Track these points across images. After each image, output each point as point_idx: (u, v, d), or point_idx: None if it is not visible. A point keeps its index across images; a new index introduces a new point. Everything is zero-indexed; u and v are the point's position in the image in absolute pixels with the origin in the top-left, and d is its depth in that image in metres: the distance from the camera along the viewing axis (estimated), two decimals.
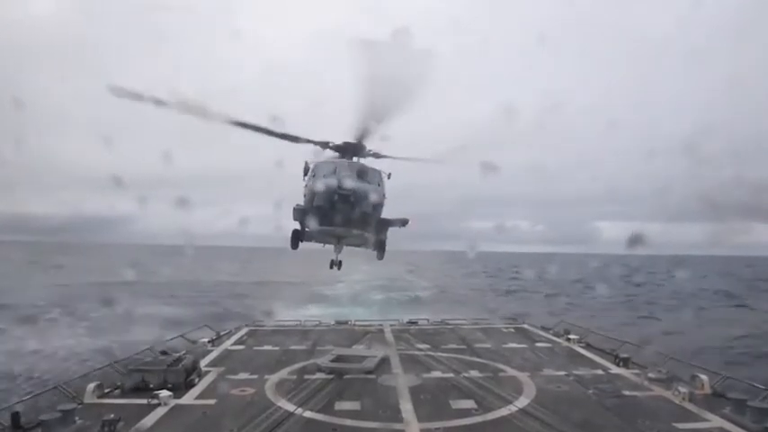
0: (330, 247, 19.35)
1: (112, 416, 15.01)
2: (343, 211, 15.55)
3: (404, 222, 17.99)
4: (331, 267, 20.10)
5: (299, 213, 17.43)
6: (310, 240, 19.12)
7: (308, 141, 16.42)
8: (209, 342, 26.89)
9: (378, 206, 16.81)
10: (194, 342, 26.54)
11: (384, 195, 16.97)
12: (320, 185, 15.83)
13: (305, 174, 17.30)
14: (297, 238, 18.78)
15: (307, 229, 17.80)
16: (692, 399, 16.90)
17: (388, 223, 17.60)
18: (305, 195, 17.01)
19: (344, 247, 18.99)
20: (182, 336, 27.53)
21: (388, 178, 17.06)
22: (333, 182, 15.53)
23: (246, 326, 31.83)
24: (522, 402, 16.98)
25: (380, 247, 18.59)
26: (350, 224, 16.02)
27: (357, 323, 32.89)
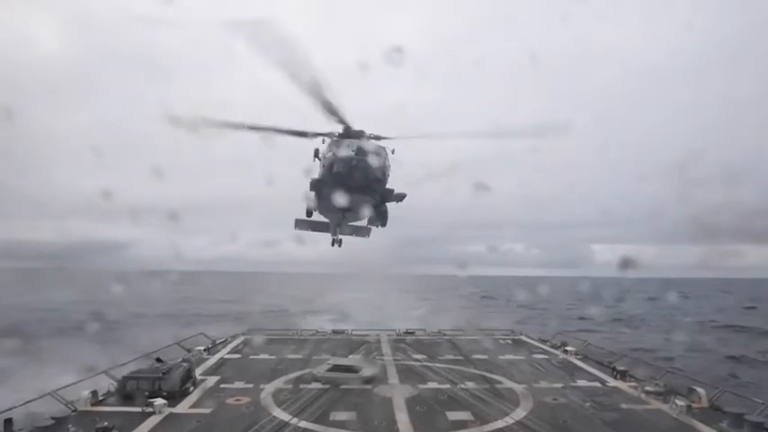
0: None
1: (106, 424, 14.93)
2: (358, 176, 17.92)
3: (401, 197, 19.83)
4: (332, 245, 22.12)
5: (316, 184, 19.45)
6: (321, 213, 20.91)
7: (317, 135, 18.93)
8: (204, 350, 26.77)
9: (385, 174, 18.93)
10: (190, 350, 26.39)
11: (389, 166, 19.03)
12: (338, 157, 18.18)
13: (315, 155, 19.48)
14: (310, 209, 20.92)
15: (321, 199, 19.76)
16: (689, 412, 16.85)
17: (391, 193, 19.54)
18: (321, 169, 19.21)
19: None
20: (177, 343, 27.37)
21: (392, 153, 19.14)
22: (349, 153, 17.97)
23: (243, 334, 31.71)
24: (519, 414, 16.90)
25: (383, 217, 20.50)
26: (362, 190, 18.25)
27: (354, 333, 32.78)
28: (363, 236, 22.70)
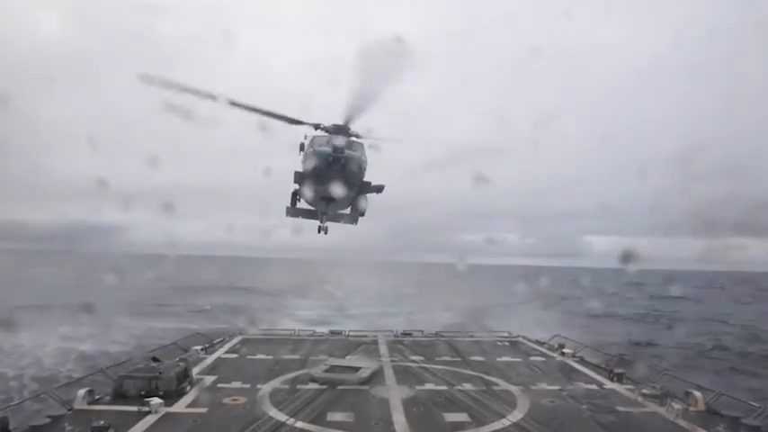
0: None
1: (102, 422, 14.88)
2: (335, 171, 19.19)
3: (380, 188, 20.96)
4: (318, 232, 23.10)
5: (299, 176, 20.62)
6: (306, 201, 22.05)
7: (303, 123, 19.86)
8: (201, 350, 26.68)
9: (362, 169, 20.19)
10: (187, 350, 26.32)
11: (366, 162, 20.33)
12: (318, 151, 19.40)
13: (301, 149, 20.74)
14: (295, 197, 22.31)
15: (304, 190, 21.07)
16: (685, 415, 16.86)
17: (368, 185, 20.74)
18: (303, 162, 20.46)
19: None
20: (174, 343, 27.32)
21: (369, 148, 20.50)
22: (328, 148, 19.21)
23: (240, 334, 31.66)
24: (516, 416, 16.90)
25: (363, 208, 21.92)
26: (340, 182, 19.40)
27: (351, 334, 32.75)
28: (351, 222, 23.54)
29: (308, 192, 20.92)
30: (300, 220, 23.52)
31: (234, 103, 17.99)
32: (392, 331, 33.43)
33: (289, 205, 22.71)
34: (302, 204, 22.59)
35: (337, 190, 19.70)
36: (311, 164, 19.65)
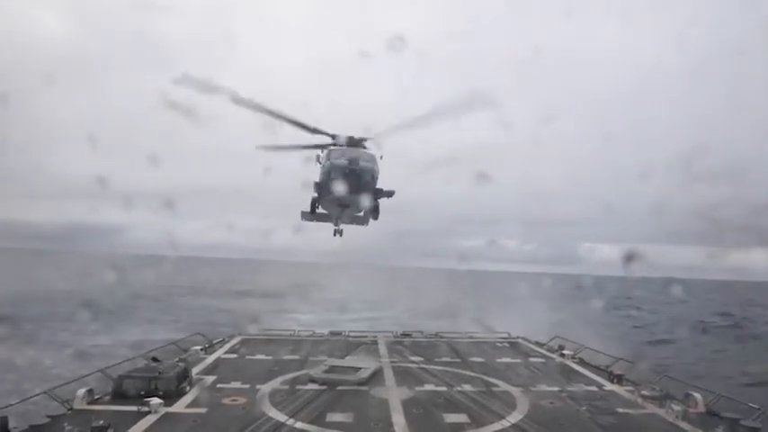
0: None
1: (102, 422, 14.88)
2: (351, 181, 20.91)
3: (390, 194, 22.43)
4: (334, 235, 24.91)
5: (318, 186, 22.49)
6: (323, 209, 23.94)
7: (321, 132, 21.50)
8: (201, 350, 26.68)
9: (374, 179, 21.85)
10: (186, 350, 26.33)
11: (378, 171, 22.00)
12: (335, 164, 21.23)
13: (317, 159, 22.78)
14: (314, 205, 23.82)
15: (322, 198, 22.89)
16: (685, 417, 16.87)
17: (381, 191, 22.27)
18: (321, 174, 22.38)
19: None
20: (174, 343, 27.32)
21: (381, 159, 22.17)
22: (344, 161, 21.12)
23: (239, 334, 31.65)
24: (515, 417, 16.91)
25: (375, 212, 23.41)
26: (355, 191, 20.99)
27: (351, 334, 32.75)
28: (362, 224, 25.37)
29: (325, 200, 22.78)
30: (308, 225, 25.00)
31: (279, 116, 19.68)
32: (392, 332, 33.40)
33: (305, 210, 24.24)
34: (318, 210, 24.29)
35: (353, 198, 21.38)
36: (329, 175, 21.46)
